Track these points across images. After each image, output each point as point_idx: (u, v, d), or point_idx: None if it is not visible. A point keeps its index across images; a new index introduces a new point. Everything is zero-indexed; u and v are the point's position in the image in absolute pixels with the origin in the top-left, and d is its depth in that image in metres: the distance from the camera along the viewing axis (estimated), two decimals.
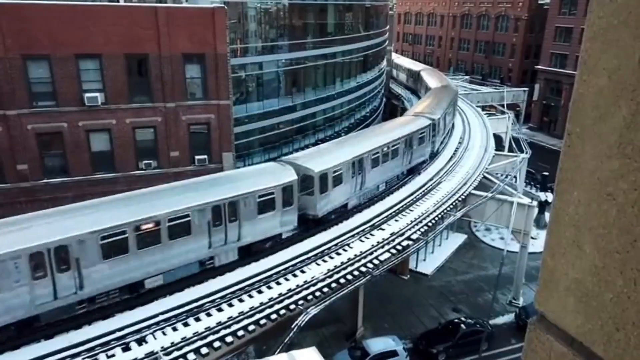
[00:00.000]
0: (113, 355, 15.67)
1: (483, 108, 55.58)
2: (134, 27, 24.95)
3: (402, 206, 27.25)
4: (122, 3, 29.08)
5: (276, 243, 22.33)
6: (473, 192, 30.59)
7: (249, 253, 21.43)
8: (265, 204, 21.40)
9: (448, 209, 27.81)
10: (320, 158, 24.81)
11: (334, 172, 24.37)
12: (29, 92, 23.71)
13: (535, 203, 31.14)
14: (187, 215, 19.06)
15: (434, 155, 34.99)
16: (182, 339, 16.46)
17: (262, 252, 21.69)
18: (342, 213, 25.80)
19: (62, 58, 23.80)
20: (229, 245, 20.56)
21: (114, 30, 24.42)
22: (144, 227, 18.11)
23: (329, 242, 22.97)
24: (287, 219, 22.42)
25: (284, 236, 22.83)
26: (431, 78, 52.32)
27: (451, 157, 35.83)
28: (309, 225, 24.03)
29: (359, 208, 26.79)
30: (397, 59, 74.37)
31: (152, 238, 18.32)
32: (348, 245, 23.01)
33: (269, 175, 22.25)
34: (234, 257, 20.89)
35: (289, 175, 22.42)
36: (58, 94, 24.16)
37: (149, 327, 16.85)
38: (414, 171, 32.19)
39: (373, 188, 28.50)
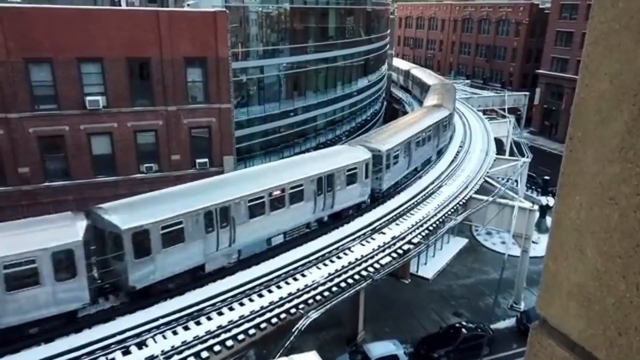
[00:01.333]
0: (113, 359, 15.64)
1: (484, 112, 55.60)
2: (136, 30, 25.04)
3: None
4: (124, 7, 29.19)
5: (55, 327, 16.21)
6: (474, 196, 30.56)
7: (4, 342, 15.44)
8: (25, 276, 15.28)
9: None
10: (146, 208, 18.22)
11: (166, 227, 18.02)
12: (30, 95, 23.77)
13: (536, 207, 31.17)
14: None
15: (380, 197, 28.10)
16: None
17: (24, 340, 15.64)
18: (198, 279, 19.51)
19: (64, 61, 23.88)
20: None
21: (115, 34, 24.51)
22: None
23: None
24: (68, 296, 16.04)
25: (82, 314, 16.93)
26: (433, 95, 45.08)
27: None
28: (132, 298, 17.98)
29: (227, 271, 20.36)
30: (414, 69, 65.90)
31: None
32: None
33: (32, 234, 15.89)
34: None
35: (68, 235, 16.03)
36: (60, 97, 24.23)
37: None
38: (340, 217, 25.52)
39: (258, 242, 21.88)
